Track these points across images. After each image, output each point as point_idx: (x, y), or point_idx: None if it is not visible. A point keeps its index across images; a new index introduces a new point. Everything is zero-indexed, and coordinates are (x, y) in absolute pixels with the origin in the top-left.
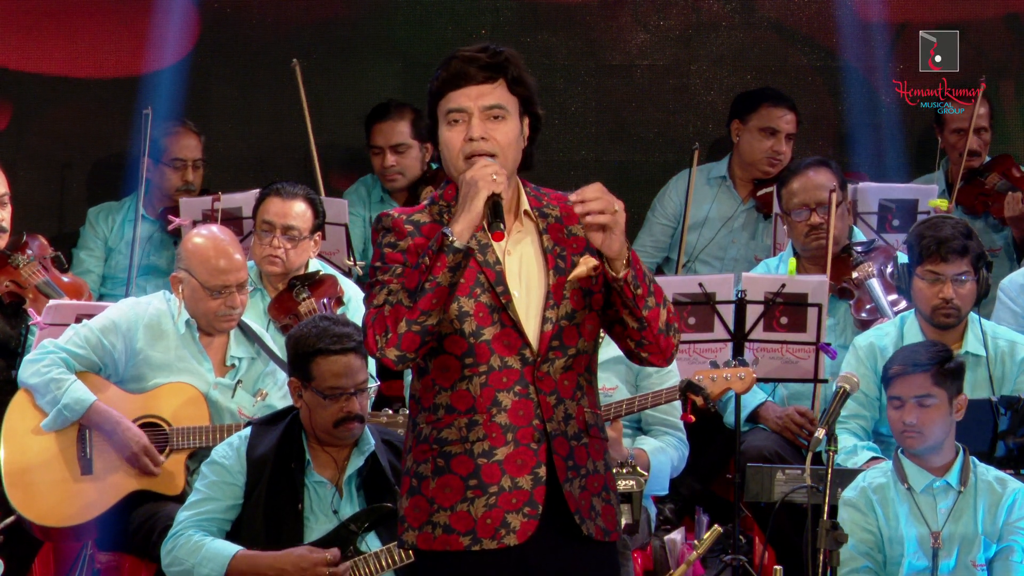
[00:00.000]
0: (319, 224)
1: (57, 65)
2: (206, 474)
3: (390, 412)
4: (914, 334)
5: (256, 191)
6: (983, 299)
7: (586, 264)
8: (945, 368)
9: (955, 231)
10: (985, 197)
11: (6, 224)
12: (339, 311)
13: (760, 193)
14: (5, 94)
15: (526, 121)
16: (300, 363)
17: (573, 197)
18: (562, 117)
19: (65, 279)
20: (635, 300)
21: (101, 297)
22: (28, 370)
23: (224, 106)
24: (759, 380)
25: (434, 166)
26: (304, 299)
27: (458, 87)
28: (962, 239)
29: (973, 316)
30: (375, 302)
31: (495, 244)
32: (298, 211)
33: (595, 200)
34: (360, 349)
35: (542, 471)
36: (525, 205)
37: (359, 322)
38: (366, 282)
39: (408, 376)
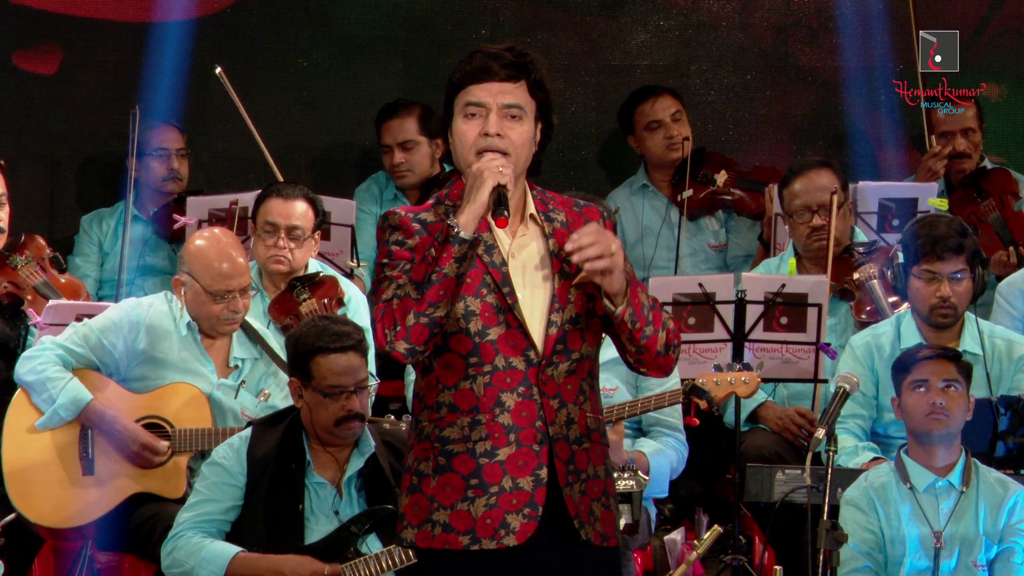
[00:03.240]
0: (319, 223)
1: (105, 9)
2: (206, 475)
3: (392, 418)
4: (911, 333)
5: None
6: (980, 296)
7: None
8: (963, 362)
9: (950, 229)
10: (977, 220)
11: (4, 224)
12: (339, 312)
13: (680, 198)
14: (55, 39)
15: (539, 126)
16: (300, 362)
17: (569, 246)
18: (562, 117)
19: (63, 280)
20: (632, 333)
21: (99, 300)
22: (24, 367)
23: (224, 106)
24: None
25: (447, 168)
26: (305, 299)
27: (480, 81)
28: (957, 237)
29: (970, 315)
30: (383, 297)
31: (500, 246)
32: (300, 211)
33: (591, 246)
34: (359, 347)
35: (543, 473)
36: (531, 208)
37: (360, 322)
38: (374, 279)
39: (409, 375)
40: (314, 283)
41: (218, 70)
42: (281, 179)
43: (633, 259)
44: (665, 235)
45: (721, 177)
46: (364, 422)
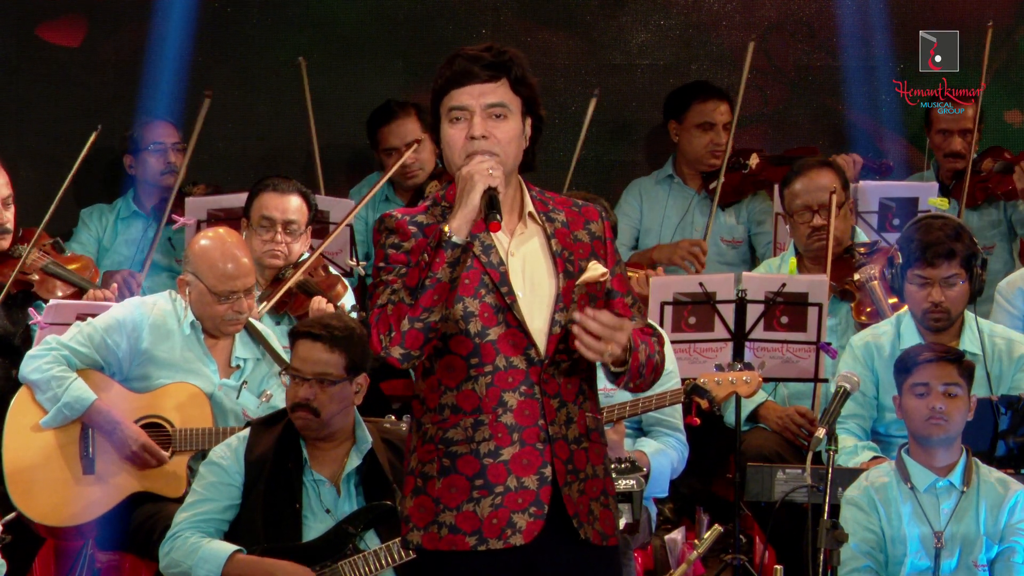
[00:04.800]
0: (312, 217)
1: None
2: (203, 475)
3: (392, 418)
4: (910, 334)
5: None
6: (979, 296)
7: (594, 270)
8: (965, 363)
9: (942, 233)
10: (984, 183)
11: (10, 225)
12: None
13: (711, 186)
14: (80, 11)
15: (528, 121)
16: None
17: (577, 316)
18: (562, 117)
19: (68, 255)
20: (624, 384)
21: None
22: (30, 365)
23: (224, 106)
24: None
25: (439, 164)
26: (289, 275)
27: (461, 85)
28: (949, 242)
29: (969, 315)
30: (379, 302)
31: (498, 245)
32: (295, 205)
33: (593, 340)
34: (333, 341)
35: (548, 471)
36: (529, 207)
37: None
38: (369, 283)
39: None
40: (297, 263)
41: (300, 59)
42: (322, 180)
43: (643, 249)
44: (684, 228)
45: (753, 160)
46: (317, 417)
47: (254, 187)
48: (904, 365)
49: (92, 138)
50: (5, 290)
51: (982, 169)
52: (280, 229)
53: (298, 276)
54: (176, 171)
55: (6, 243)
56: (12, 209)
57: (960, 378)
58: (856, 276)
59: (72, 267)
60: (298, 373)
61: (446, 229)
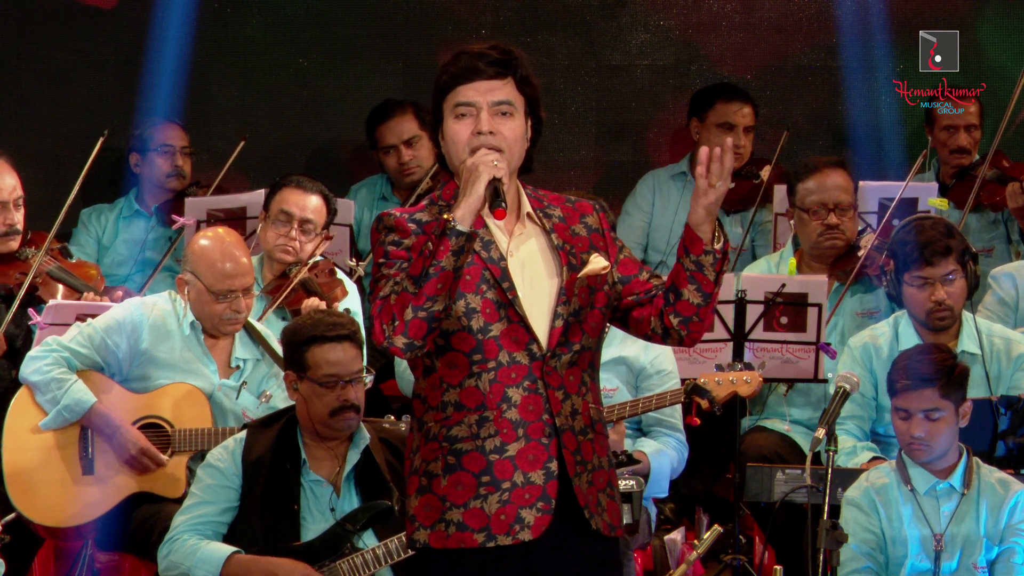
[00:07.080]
0: (330, 221)
1: None
2: (201, 478)
3: (392, 418)
4: (909, 335)
5: (259, 191)
6: (975, 291)
7: (596, 263)
8: (951, 379)
9: (935, 232)
10: (980, 190)
11: (19, 226)
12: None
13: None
14: (57, 38)
15: (529, 122)
16: (295, 354)
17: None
18: (562, 117)
19: (75, 262)
20: (717, 276)
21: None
22: (30, 367)
23: (224, 106)
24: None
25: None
26: (296, 272)
27: (468, 81)
28: (944, 239)
29: (967, 315)
30: (381, 293)
31: (498, 243)
32: (315, 205)
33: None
34: (354, 338)
35: (553, 465)
36: (527, 207)
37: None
38: (370, 280)
39: (399, 366)
40: (305, 263)
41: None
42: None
43: (652, 243)
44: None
45: (765, 172)
46: (360, 414)
47: (277, 180)
48: (890, 384)
49: (99, 143)
50: (19, 298)
51: (978, 176)
52: (296, 226)
53: (304, 273)
54: (182, 175)
55: (15, 244)
56: (22, 211)
57: (942, 400)
58: (860, 253)
59: (74, 268)
60: (336, 378)
61: (449, 218)
